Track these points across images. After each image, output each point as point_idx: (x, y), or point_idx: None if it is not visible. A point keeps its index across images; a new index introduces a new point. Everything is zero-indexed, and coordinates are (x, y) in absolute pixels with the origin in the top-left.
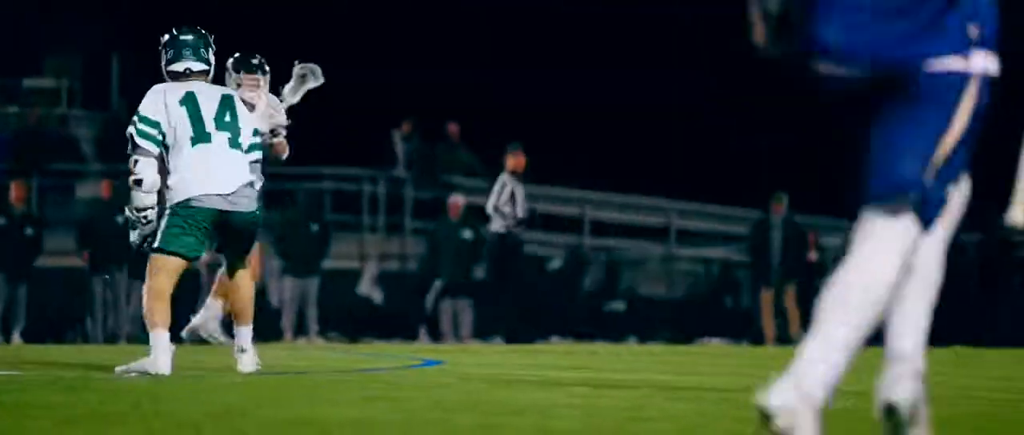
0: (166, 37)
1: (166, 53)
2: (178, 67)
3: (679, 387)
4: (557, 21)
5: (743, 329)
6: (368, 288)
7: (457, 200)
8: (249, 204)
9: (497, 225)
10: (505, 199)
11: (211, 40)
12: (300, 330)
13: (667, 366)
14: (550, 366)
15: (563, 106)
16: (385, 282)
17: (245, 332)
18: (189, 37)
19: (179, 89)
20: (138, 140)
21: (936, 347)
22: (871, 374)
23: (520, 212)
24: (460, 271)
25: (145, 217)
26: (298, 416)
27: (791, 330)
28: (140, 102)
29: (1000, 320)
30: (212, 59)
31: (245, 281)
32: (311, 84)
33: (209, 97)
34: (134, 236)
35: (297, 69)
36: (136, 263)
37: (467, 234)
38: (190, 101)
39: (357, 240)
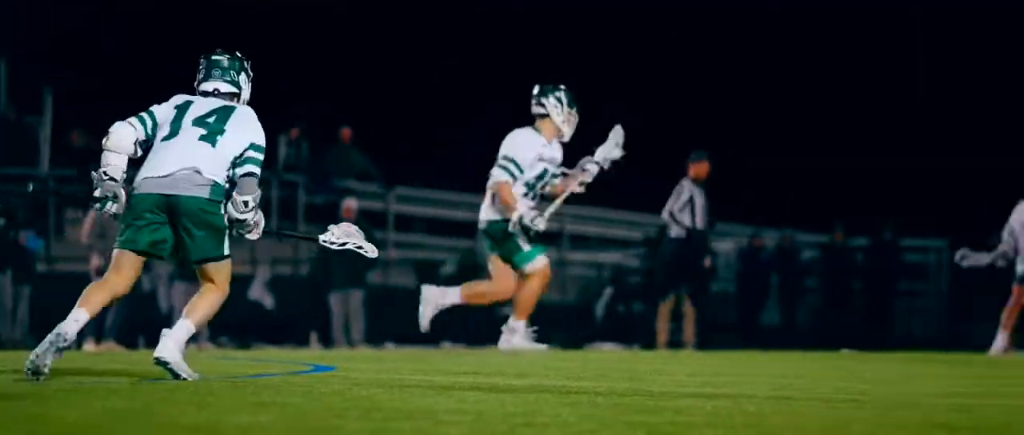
0: (202, 57)
1: (199, 73)
2: (207, 87)
3: (571, 391)
4: (450, 22)
5: (635, 334)
6: (259, 293)
7: (350, 204)
8: (193, 189)
9: (675, 230)
10: (681, 205)
11: (248, 65)
12: (191, 336)
13: (559, 371)
14: (441, 371)
15: (458, 108)
16: (277, 287)
17: (183, 323)
18: (223, 58)
19: (188, 97)
20: (131, 117)
21: (825, 351)
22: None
23: (699, 222)
24: (353, 276)
25: (105, 174)
26: (187, 422)
27: (685, 335)
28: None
29: (888, 324)
30: (244, 84)
31: (208, 294)
32: (616, 154)
33: (206, 104)
34: (97, 192)
35: (616, 135)
36: (18, 269)
37: None
38: (185, 105)
39: (248, 244)
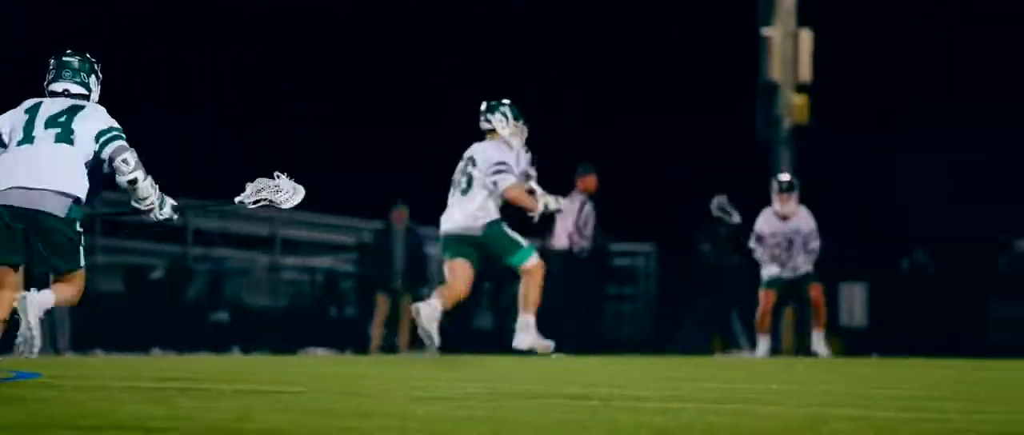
0: (53, 58)
1: (49, 73)
2: (57, 87)
3: (283, 396)
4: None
5: (348, 338)
6: None
7: None
8: (56, 208)
9: (564, 243)
10: (584, 220)
11: (98, 67)
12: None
13: (271, 376)
14: (151, 377)
15: (164, 113)
16: None
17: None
18: (74, 60)
19: (37, 100)
20: None
21: (539, 356)
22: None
23: (588, 233)
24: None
25: None
26: None
27: (400, 341)
28: None
29: (598, 327)
30: (94, 85)
31: (69, 286)
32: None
33: (56, 104)
34: None
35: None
36: None
37: None
38: (34, 108)
39: None
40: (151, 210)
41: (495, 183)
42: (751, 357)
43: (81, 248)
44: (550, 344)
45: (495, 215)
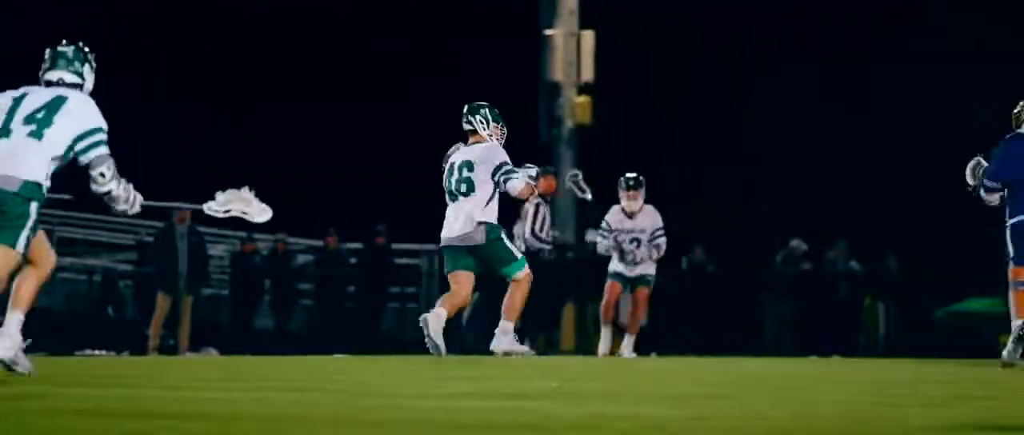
0: (48, 49)
1: (44, 62)
2: (52, 76)
3: (58, 394)
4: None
5: (125, 339)
6: None
7: None
8: (9, 183)
9: (529, 246)
10: (540, 224)
11: (92, 58)
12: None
13: (45, 377)
14: None
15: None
16: None
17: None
18: (68, 50)
19: (26, 89)
20: None
21: (318, 355)
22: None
23: (546, 236)
24: None
25: None
26: None
27: (180, 341)
28: None
29: (379, 327)
30: (87, 74)
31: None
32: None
33: (42, 96)
34: None
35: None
36: None
37: None
38: (20, 98)
39: None
40: (117, 204)
41: (506, 184)
42: (530, 355)
43: (22, 228)
44: (527, 350)
45: (495, 219)
